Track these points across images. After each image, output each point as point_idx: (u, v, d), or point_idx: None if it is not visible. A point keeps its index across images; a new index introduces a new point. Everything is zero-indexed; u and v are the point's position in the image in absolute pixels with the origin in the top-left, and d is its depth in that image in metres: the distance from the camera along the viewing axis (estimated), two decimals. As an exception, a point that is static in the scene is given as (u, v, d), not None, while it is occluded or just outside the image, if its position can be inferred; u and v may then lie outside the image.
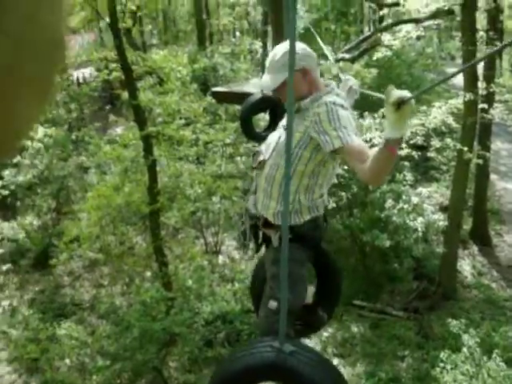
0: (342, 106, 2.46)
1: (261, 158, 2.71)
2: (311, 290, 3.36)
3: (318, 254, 3.32)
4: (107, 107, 19.76)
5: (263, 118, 8.97)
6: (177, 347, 9.48)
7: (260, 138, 3.22)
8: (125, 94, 11.17)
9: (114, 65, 10.87)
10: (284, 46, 2.58)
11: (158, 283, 10.01)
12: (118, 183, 11.53)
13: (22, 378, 9.92)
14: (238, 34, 27.82)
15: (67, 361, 9.39)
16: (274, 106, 3.64)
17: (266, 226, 2.72)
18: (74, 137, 15.47)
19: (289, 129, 1.84)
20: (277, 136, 2.70)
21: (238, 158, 13.06)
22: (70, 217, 13.35)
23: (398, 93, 1.90)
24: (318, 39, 4.42)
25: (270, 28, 13.34)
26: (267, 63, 2.68)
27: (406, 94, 1.90)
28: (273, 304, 2.52)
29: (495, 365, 6.98)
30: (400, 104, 1.89)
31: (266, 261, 2.81)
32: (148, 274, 11.50)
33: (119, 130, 16.90)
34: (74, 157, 15.01)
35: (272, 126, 3.67)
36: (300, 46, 2.65)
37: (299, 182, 2.56)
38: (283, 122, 2.68)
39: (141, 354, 8.39)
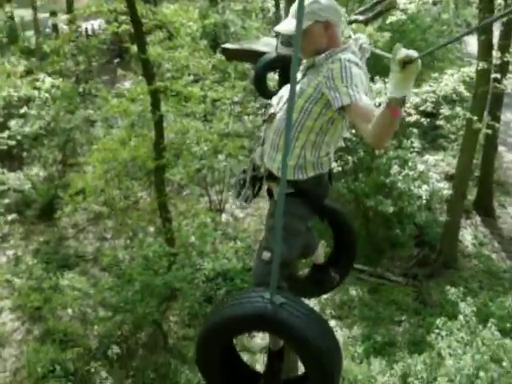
0: (357, 64, 2.44)
1: (271, 110, 2.70)
2: (321, 249, 3.37)
3: (330, 214, 3.31)
4: (115, 60, 19.53)
5: (272, 78, 8.86)
6: (177, 302, 9.62)
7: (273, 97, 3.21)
8: (134, 48, 11.04)
9: (123, 17, 10.68)
10: None
11: (161, 238, 10.09)
12: (124, 137, 11.49)
13: (25, 326, 10.12)
14: (250, -9, 27.27)
15: (69, 311, 9.55)
16: (287, 65, 3.60)
17: (269, 179, 2.73)
18: (81, 89, 15.35)
19: (292, 82, 1.82)
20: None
21: (246, 117, 12.97)
22: (76, 169, 13.38)
23: (405, 51, 1.86)
24: None
25: (283, -14, 13.06)
26: (292, 8, 2.62)
27: (413, 53, 1.86)
28: (266, 255, 2.51)
29: (490, 334, 7.05)
30: (406, 63, 1.86)
31: (267, 214, 2.82)
32: (151, 229, 11.58)
33: (127, 84, 16.76)
34: (81, 109, 14.92)
35: (285, 84, 3.64)
36: None
37: (306, 137, 2.54)
38: (298, 74, 2.65)
39: (142, 307, 8.52)
